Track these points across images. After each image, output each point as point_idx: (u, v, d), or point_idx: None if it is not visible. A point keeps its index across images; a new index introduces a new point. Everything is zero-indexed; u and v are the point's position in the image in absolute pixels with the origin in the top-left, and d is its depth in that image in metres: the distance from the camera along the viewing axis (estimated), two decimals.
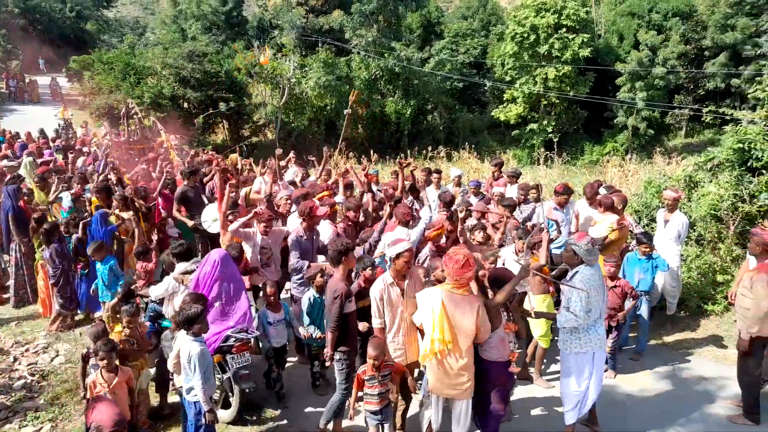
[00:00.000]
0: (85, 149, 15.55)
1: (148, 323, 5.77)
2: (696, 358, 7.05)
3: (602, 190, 8.10)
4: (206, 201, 8.61)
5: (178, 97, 27.03)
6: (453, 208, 7.31)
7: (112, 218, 8.20)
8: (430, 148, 24.13)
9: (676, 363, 6.92)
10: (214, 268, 5.17)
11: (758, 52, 30.68)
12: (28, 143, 17.03)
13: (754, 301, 5.27)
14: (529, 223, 7.73)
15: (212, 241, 8.05)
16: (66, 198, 9.40)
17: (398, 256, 4.95)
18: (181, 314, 4.47)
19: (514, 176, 9.65)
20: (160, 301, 5.77)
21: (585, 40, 31.28)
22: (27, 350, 7.44)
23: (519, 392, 6.19)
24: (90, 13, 56.81)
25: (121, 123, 17.41)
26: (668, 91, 33.14)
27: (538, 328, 6.29)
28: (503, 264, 6.34)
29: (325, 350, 5.14)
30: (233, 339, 5.41)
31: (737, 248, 8.64)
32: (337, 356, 5.14)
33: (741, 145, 8.86)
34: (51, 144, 17.49)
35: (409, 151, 24.99)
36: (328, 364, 5.21)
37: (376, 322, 5.04)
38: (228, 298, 5.22)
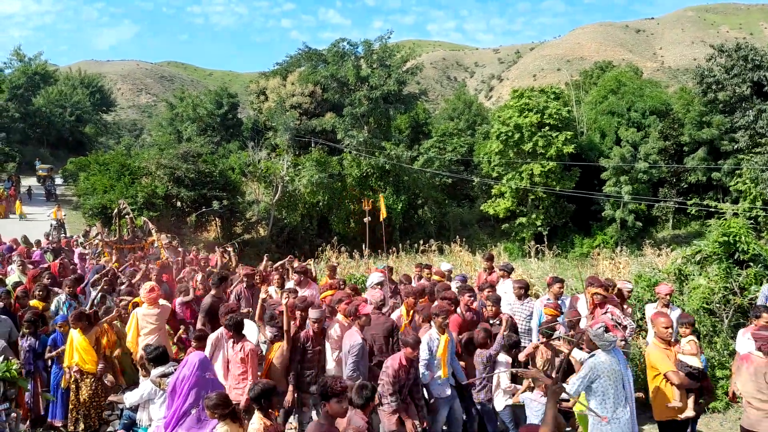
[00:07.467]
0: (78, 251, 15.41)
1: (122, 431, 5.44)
2: None
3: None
4: None
5: (172, 196, 27.37)
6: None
7: None
8: (421, 242, 24.25)
9: None
10: (191, 372, 4.93)
11: (735, 146, 31.78)
12: (15, 246, 16.85)
13: None
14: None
15: None
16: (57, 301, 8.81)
17: None
18: None
19: (507, 271, 9.53)
20: (135, 408, 5.47)
21: (568, 137, 32.41)
22: None
23: None
24: (89, 117, 59.01)
25: (112, 223, 17.47)
26: (652, 184, 33.98)
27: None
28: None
29: None
30: None
31: (733, 342, 8.44)
32: None
33: (726, 239, 8.92)
34: (40, 246, 17.31)
35: (401, 245, 25.07)
36: None
37: None
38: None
